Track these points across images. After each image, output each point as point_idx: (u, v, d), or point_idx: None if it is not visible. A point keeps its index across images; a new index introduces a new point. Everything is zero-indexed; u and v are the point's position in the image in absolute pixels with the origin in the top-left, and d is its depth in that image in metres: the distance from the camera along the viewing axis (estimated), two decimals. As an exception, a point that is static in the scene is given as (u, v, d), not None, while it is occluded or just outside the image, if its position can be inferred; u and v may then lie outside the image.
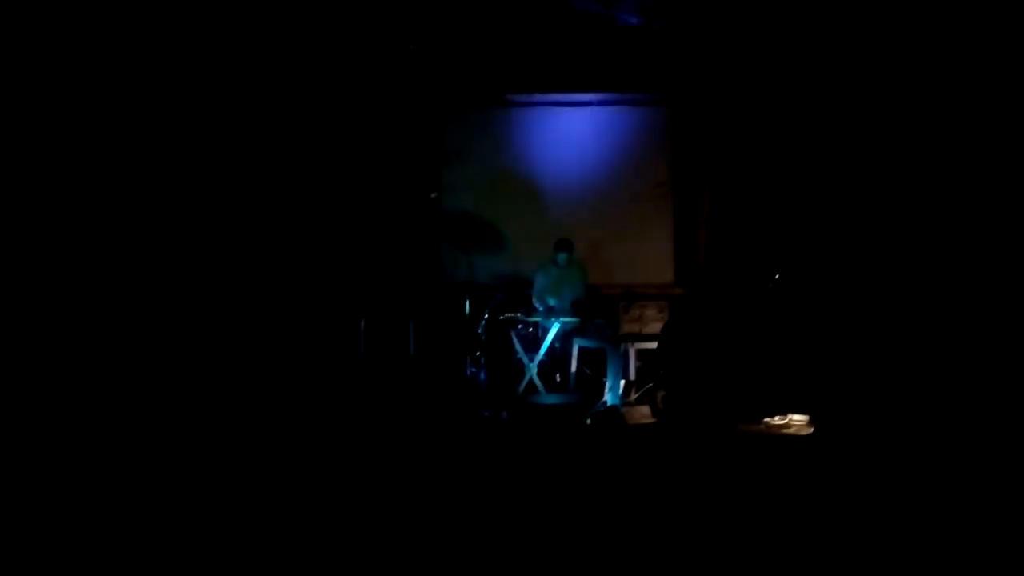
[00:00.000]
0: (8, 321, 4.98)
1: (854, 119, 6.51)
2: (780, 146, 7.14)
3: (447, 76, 7.40)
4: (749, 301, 6.62)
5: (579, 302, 6.52)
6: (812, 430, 5.50)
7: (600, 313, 6.42)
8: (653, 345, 6.04)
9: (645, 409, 6.12)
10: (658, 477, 4.39)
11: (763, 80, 7.16)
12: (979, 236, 5.61)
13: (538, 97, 7.53)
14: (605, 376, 6.22)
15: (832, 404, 5.63)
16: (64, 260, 5.32)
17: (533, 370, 6.27)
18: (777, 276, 6.54)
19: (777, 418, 5.76)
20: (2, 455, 4.28)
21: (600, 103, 7.53)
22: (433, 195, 7.15)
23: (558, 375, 6.49)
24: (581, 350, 6.41)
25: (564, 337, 6.41)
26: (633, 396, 6.33)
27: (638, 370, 6.62)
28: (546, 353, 6.36)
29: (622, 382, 6.29)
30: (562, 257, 6.56)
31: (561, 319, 6.34)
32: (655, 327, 6.03)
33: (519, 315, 6.44)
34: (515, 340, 6.40)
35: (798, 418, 5.74)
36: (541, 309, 6.53)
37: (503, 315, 6.46)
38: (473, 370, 6.48)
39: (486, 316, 6.58)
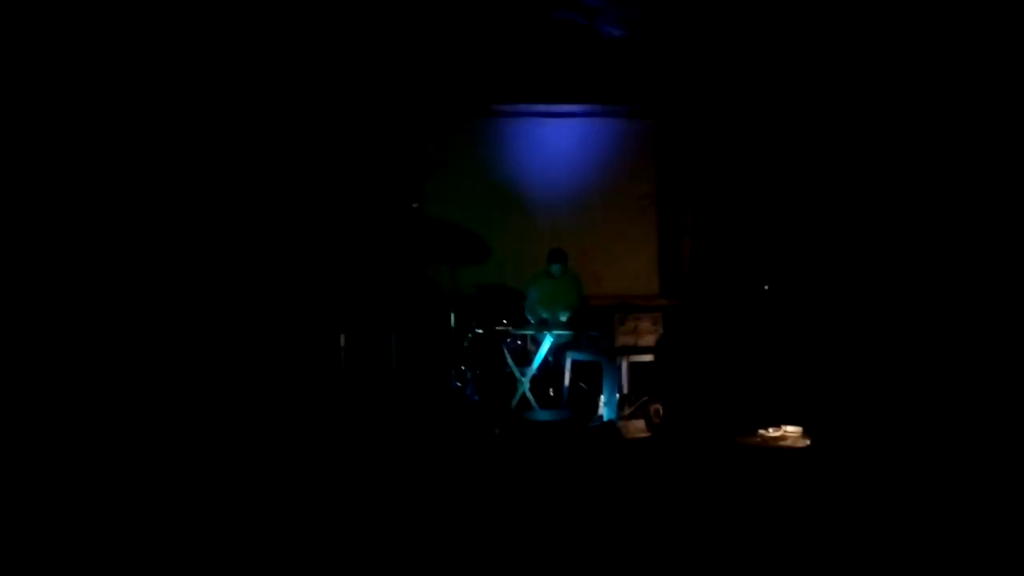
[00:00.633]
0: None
1: (837, 130, 6.62)
2: (764, 157, 7.22)
3: (429, 85, 7.28)
4: (740, 312, 6.66)
5: (574, 314, 6.42)
6: (808, 442, 5.53)
7: (594, 325, 6.33)
8: (648, 358, 5.98)
9: (640, 423, 6.05)
10: (659, 492, 4.37)
11: (746, 92, 7.24)
12: (967, 246, 5.76)
13: (523, 108, 7.44)
14: (600, 390, 6.10)
15: (826, 415, 5.69)
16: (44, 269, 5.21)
17: (526, 385, 6.13)
18: (766, 287, 6.59)
19: (772, 430, 5.77)
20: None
21: (585, 114, 7.49)
22: (415, 205, 7.00)
23: (551, 389, 6.36)
24: (574, 363, 6.30)
25: (557, 350, 6.28)
26: (627, 410, 6.24)
27: (631, 384, 6.54)
28: (538, 367, 6.22)
29: (617, 396, 6.20)
30: (556, 268, 6.45)
31: (555, 332, 6.23)
32: (649, 340, 5.98)
33: (511, 328, 6.32)
34: (507, 354, 6.25)
35: (792, 429, 5.76)
36: (534, 321, 6.42)
37: (496, 327, 6.32)
38: (459, 385, 6.33)
39: (477, 329, 6.43)
